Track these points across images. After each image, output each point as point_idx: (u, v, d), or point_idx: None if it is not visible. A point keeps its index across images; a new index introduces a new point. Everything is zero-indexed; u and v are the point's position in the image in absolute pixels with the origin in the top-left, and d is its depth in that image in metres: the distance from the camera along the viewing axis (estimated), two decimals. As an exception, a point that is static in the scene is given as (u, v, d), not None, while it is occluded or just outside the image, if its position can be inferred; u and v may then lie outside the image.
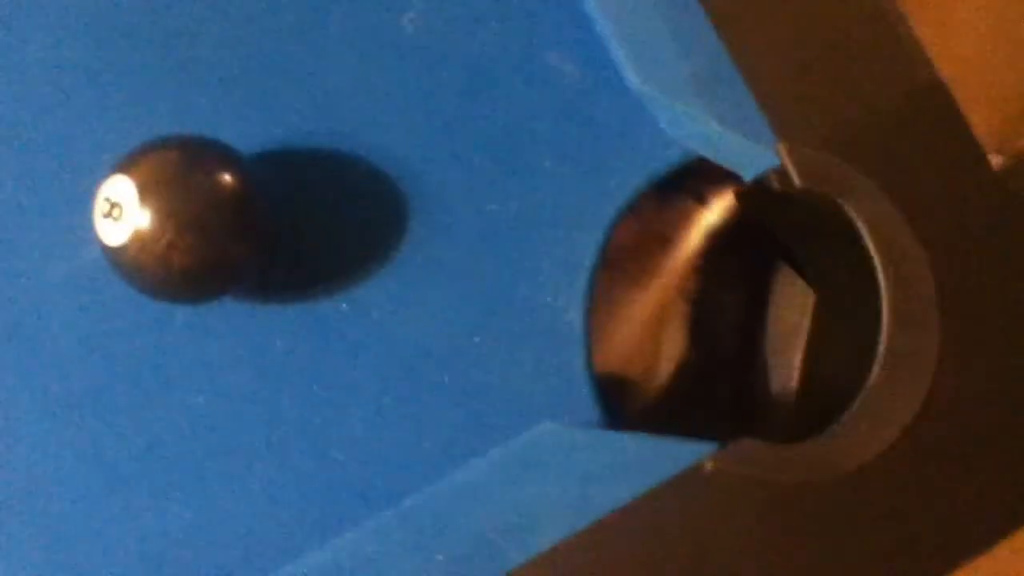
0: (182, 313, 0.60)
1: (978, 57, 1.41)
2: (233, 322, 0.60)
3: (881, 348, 0.58)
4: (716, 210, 0.74)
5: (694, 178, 0.69)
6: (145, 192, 0.50)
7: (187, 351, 0.60)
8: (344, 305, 0.61)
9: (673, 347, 0.71)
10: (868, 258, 0.59)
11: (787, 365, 0.72)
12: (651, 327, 0.70)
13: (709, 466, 0.54)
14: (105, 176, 0.53)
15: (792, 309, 0.73)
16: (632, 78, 0.61)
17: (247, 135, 0.61)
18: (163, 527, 0.58)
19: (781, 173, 0.60)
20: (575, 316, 0.62)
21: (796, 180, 0.59)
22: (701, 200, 0.72)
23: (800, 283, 0.72)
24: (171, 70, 0.63)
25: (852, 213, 0.59)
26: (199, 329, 0.60)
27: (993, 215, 0.63)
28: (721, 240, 0.74)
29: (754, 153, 0.60)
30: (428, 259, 0.63)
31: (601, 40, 0.64)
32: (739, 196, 0.69)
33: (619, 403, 0.66)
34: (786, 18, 0.63)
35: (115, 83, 0.62)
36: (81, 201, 0.58)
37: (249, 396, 0.60)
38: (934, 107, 0.64)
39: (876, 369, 0.58)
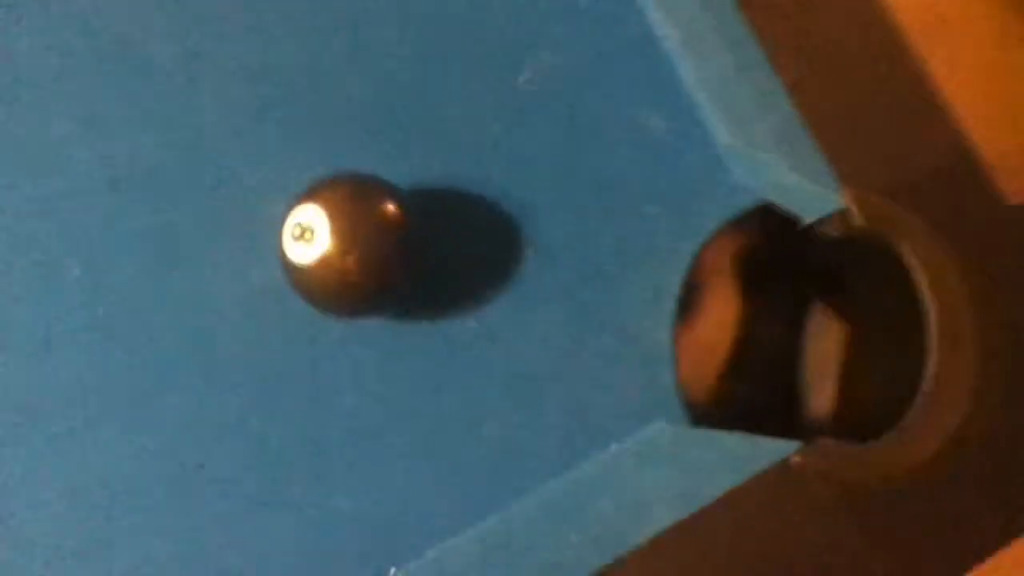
0: (336, 329, 0.69)
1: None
2: (380, 337, 0.70)
3: (931, 366, 0.68)
4: (771, 252, 0.84)
5: (753, 223, 0.80)
6: (334, 219, 0.60)
7: (342, 362, 0.69)
8: (472, 324, 0.71)
9: (735, 365, 0.81)
10: (919, 291, 0.69)
11: (826, 384, 0.82)
12: (718, 347, 0.79)
13: (795, 461, 0.64)
14: (292, 205, 0.62)
15: (827, 339, 0.83)
16: (723, 134, 0.72)
17: (388, 175, 0.71)
18: (318, 515, 0.66)
19: (844, 215, 0.70)
20: (664, 336, 0.72)
21: (858, 220, 0.70)
22: (760, 242, 0.83)
23: (834, 317, 0.82)
24: (325, 119, 0.73)
25: (905, 251, 0.70)
26: (352, 343, 0.69)
27: (1012, 249, 0.75)
28: (773, 277, 0.84)
29: (821, 197, 0.71)
30: (541, 286, 0.73)
31: (686, 100, 0.75)
32: (800, 237, 0.79)
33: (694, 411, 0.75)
34: (845, 83, 0.75)
35: (282, 129, 0.72)
36: (249, 229, 0.69)
37: (394, 401, 0.69)
38: (965, 163, 0.76)
39: (927, 384, 0.68)
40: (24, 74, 0.73)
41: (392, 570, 0.64)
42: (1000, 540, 0.68)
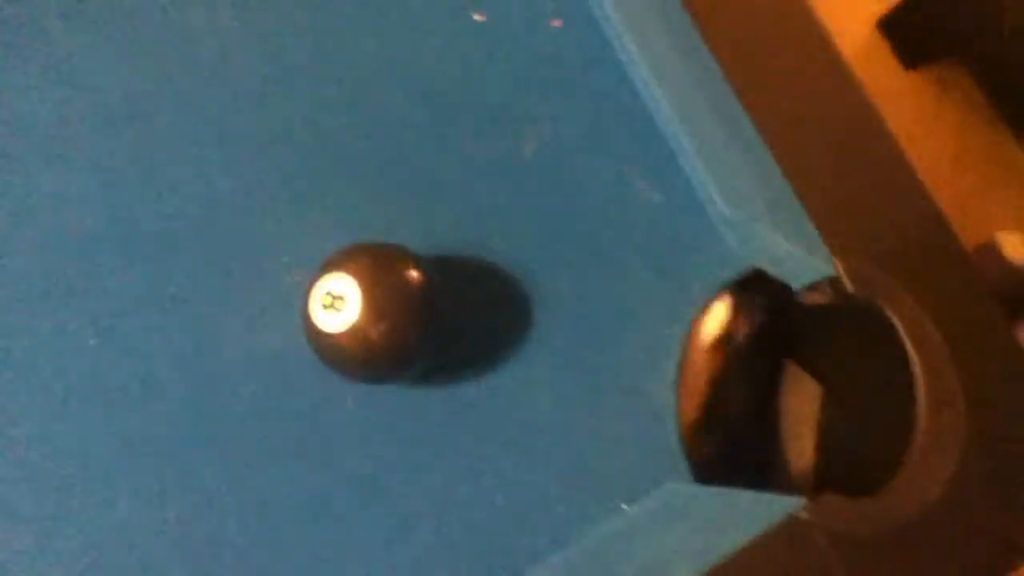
0: (350, 393, 0.69)
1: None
2: (391, 401, 0.70)
3: (920, 423, 0.72)
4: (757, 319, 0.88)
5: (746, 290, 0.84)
6: (365, 289, 0.61)
7: (354, 426, 0.69)
8: (480, 386, 0.72)
9: (733, 424, 0.84)
10: (905, 352, 0.74)
11: (801, 442, 0.85)
12: (716, 407, 0.82)
13: (803, 516, 0.66)
14: (320, 273, 0.63)
15: (800, 399, 0.87)
16: (719, 203, 0.76)
17: (399, 242, 0.72)
18: (333, 579, 0.66)
19: (835, 282, 0.75)
20: (667, 397, 0.75)
21: (849, 287, 0.74)
22: (747, 310, 0.87)
23: (807, 378, 0.86)
24: (335, 187, 0.75)
25: (892, 315, 0.74)
26: (365, 407, 0.69)
27: (982, 308, 0.80)
28: (757, 342, 0.88)
29: (812, 265, 0.75)
30: (545, 349, 0.75)
31: (682, 170, 0.79)
32: (788, 304, 0.83)
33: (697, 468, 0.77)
34: (831, 159, 0.80)
35: (296, 196, 0.73)
36: (259, 294, 0.69)
37: (403, 465, 0.69)
38: (936, 231, 0.81)
39: (918, 440, 0.72)
40: (37, 141, 0.72)
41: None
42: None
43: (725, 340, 0.80)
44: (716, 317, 0.79)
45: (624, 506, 0.70)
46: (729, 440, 0.80)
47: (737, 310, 0.80)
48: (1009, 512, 0.73)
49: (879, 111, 0.84)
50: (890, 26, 1.93)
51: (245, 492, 0.67)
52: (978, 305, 0.80)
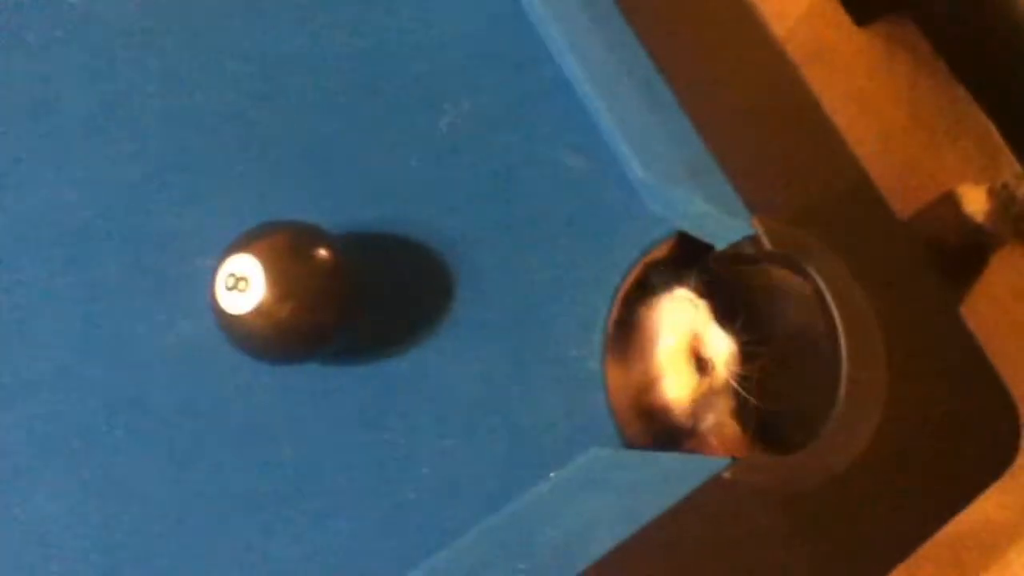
0: (269, 376, 0.69)
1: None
2: (313, 382, 0.70)
3: (843, 379, 0.73)
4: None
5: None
6: (269, 268, 0.60)
7: (276, 409, 0.69)
8: (406, 363, 0.72)
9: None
10: (827, 308, 0.74)
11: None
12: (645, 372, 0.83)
13: (728, 475, 0.67)
14: (224, 255, 0.62)
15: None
16: (637, 169, 0.75)
17: (317, 221, 0.72)
18: (263, 567, 0.66)
19: (754, 241, 0.75)
20: (594, 365, 0.75)
21: (768, 245, 0.74)
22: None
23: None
24: (248, 168, 0.74)
25: (812, 271, 0.74)
26: (286, 390, 0.69)
27: (908, 263, 0.81)
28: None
29: (732, 225, 0.75)
30: (470, 321, 0.74)
31: (602, 137, 0.78)
32: (712, 262, 0.83)
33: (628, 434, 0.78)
34: (750, 120, 0.79)
35: (205, 179, 0.72)
36: (175, 281, 0.69)
37: (331, 446, 0.69)
38: (860, 188, 0.81)
39: (841, 396, 0.72)
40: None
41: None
42: (915, 541, 0.73)
43: (650, 304, 0.80)
44: (641, 282, 0.79)
45: (552, 475, 0.70)
46: (658, 405, 0.80)
47: (662, 273, 0.80)
48: (934, 467, 0.74)
49: (800, 70, 0.84)
50: None
51: (165, 483, 0.66)
52: (902, 258, 0.80)
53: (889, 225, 0.82)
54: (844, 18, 1.95)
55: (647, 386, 0.77)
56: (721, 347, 0.77)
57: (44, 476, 0.66)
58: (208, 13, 0.78)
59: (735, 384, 0.76)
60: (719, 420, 0.75)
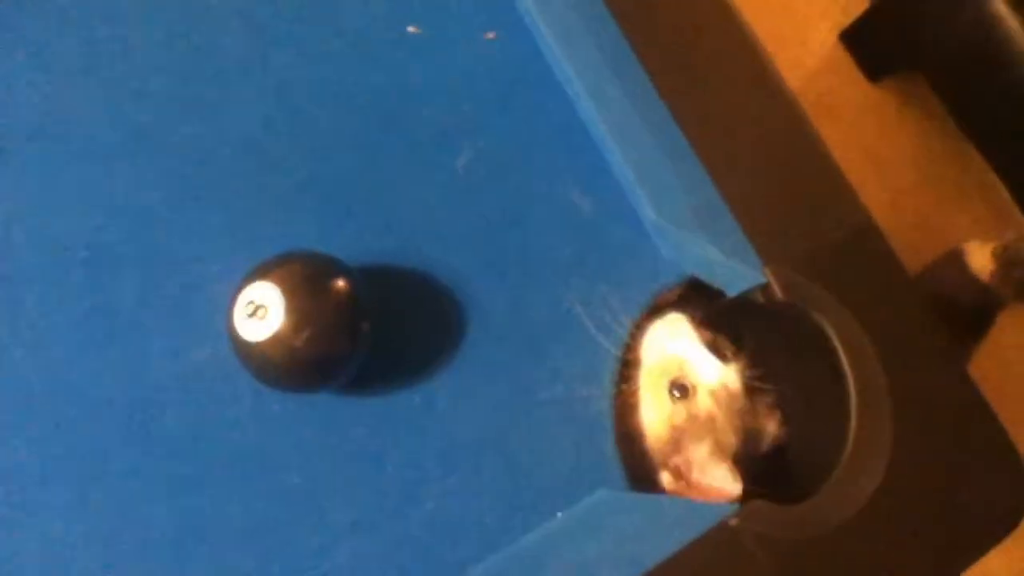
0: (278, 405, 0.69)
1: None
2: (321, 413, 0.70)
3: (851, 429, 0.73)
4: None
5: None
6: (287, 296, 0.61)
7: (284, 439, 0.69)
8: (413, 397, 0.72)
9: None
10: (836, 357, 0.74)
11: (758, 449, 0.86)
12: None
13: (733, 523, 0.67)
14: (244, 283, 0.63)
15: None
16: (649, 212, 0.76)
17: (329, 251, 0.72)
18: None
19: (765, 289, 0.75)
20: (599, 406, 0.75)
21: (779, 294, 0.74)
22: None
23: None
24: (267, 200, 0.75)
25: (822, 321, 0.75)
26: (294, 420, 0.69)
27: (915, 316, 0.81)
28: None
29: (743, 274, 0.76)
30: (479, 358, 0.75)
31: (615, 180, 0.80)
32: (720, 310, 0.84)
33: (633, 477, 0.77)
34: (760, 167, 0.81)
35: (225, 208, 0.73)
36: (191, 306, 0.69)
37: (336, 477, 0.69)
38: (868, 238, 0.82)
39: (848, 446, 0.73)
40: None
41: (341, 649, 0.64)
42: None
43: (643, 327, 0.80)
44: (651, 325, 0.79)
45: (559, 515, 0.70)
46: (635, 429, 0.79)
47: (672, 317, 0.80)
48: (937, 524, 0.74)
49: (811, 120, 0.85)
50: (852, 38, 1.96)
51: (173, 506, 0.66)
52: (909, 311, 0.81)
53: (897, 277, 0.82)
54: (856, 73, 1.98)
55: (629, 409, 0.77)
56: (709, 375, 0.77)
57: (51, 496, 0.66)
58: (233, 43, 0.80)
59: (724, 417, 0.76)
60: (701, 456, 0.74)
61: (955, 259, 1.67)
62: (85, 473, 0.67)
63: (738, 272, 0.76)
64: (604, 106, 0.79)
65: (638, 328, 0.78)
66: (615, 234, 0.80)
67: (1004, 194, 1.87)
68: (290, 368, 0.63)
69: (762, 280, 0.75)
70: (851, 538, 0.70)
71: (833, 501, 0.71)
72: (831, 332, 0.75)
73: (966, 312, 1.66)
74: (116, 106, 0.75)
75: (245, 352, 0.62)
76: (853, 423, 0.73)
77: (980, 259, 1.63)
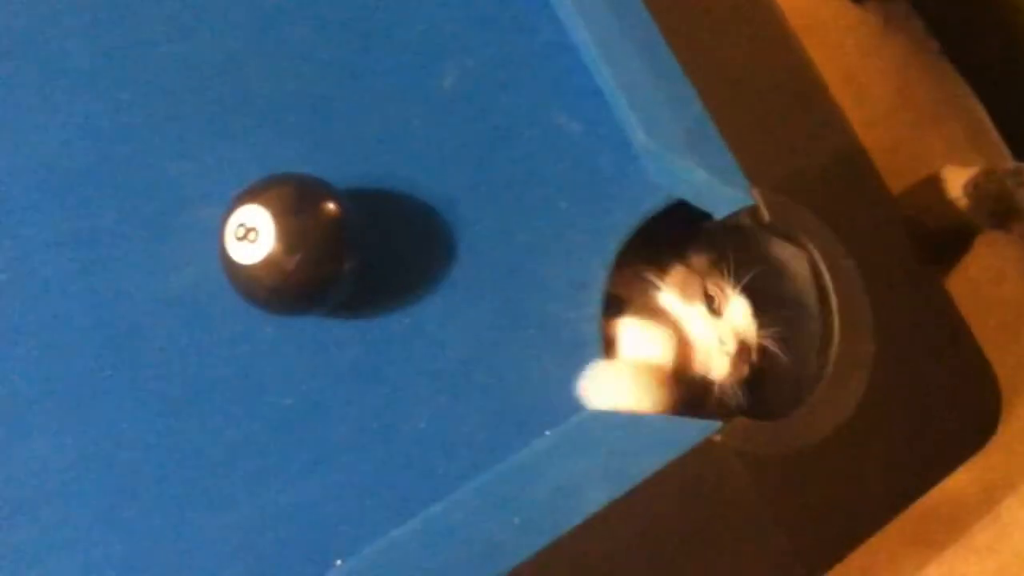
0: (269, 328, 0.69)
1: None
2: (311, 335, 0.71)
3: (834, 347, 0.74)
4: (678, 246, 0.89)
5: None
6: (278, 220, 0.61)
7: (274, 360, 0.69)
8: (402, 319, 0.73)
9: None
10: (821, 279, 0.76)
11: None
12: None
13: (717, 439, 0.68)
14: (234, 206, 0.63)
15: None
16: (639, 135, 0.76)
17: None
18: (258, 512, 0.67)
19: (752, 212, 0.76)
20: (590, 328, 0.76)
21: (766, 216, 0.75)
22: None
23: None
24: (250, 120, 0.74)
25: (808, 243, 0.76)
26: (284, 341, 0.70)
27: (897, 237, 0.82)
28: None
29: (731, 196, 0.76)
30: (466, 280, 0.75)
31: (603, 102, 0.79)
32: (708, 232, 0.84)
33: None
34: (748, 88, 0.80)
35: (207, 130, 0.72)
36: (175, 230, 0.69)
37: (330, 398, 0.70)
38: (854, 161, 0.83)
39: (830, 364, 0.74)
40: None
41: (337, 562, 0.66)
42: (893, 509, 0.75)
43: (647, 273, 0.81)
44: (638, 245, 0.80)
45: (548, 433, 0.71)
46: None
47: (659, 238, 0.81)
48: (916, 436, 0.76)
49: (801, 43, 0.85)
50: None
51: (162, 429, 0.67)
52: (893, 233, 0.82)
53: (882, 200, 0.83)
54: (840, -7, 1.96)
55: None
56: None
57: (41, 421, 0.66)
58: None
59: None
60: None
61: (932, 185, 1.68)
62: (73, 399, 0.67)
63: (726, 195, 0.76)
64: (594, 26, 0.78)
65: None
66: (603, 156, 0.80)
67: (981, 116, 1.87)
68: (282, 291, 0.63)
69: (750, 202, 0.75)
70: (831, 453, 0.73)
71: (814, 418, 0.73)
72: (816, 253, 0.76)
73: (942, 235, 1.68)
74: (93, 24, 0.73)
75: (236, 275, 0.62)
76: (835, 341, 0.74)
77: (956, 186, 1.64)
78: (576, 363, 0.75)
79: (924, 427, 0.77)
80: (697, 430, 0.69)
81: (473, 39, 0.79)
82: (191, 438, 0.67)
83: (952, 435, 0.78)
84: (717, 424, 0.69)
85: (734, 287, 0.81)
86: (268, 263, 0.61)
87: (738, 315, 0.80)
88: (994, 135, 1.87)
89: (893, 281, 0.79)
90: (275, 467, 0.68)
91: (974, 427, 0.80)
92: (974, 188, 1.58)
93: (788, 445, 0.71)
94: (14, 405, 0.66)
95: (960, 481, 1.48)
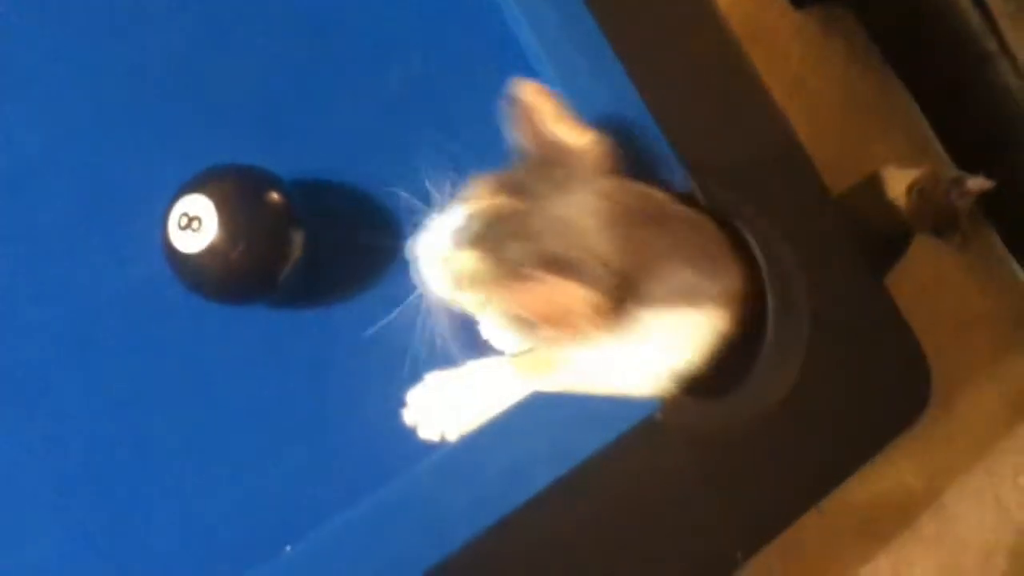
0: (218, 318, 0.71)
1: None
2: (260, 325, 0.72)
3: (769, 330, 0.77)
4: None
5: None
6: (221, 208, 0.62)
7: (223, 350, 0.71)
8: (349, 309, 0.74)
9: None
10: (755, 263, 0.78)
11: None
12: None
13: (659, 417, 0.71)
14: (177, 195, 0.64)
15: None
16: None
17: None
18: (207, 503, 0.68)
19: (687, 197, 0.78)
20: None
21: (701, 201, 0.78)
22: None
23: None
24: (199, 116, 0.75)
25: (740, 227, 0.78)
26: (233, 331, 0.71)
27: (831, 226, 0.85)
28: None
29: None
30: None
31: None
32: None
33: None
34: (687, 84, 0.83)
35: (153, 124, 0.73)
36: (125, 223, 0.70)
37: (276, 387, 0.72)
38: (792, 156, 0.86)
39: (767, 348, 0.77)
40: None
41: (287, 548, 0.66)
42: (826, 485, 0.78)
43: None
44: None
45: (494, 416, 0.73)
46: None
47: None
48: (849, 417, 0.79)
49: (741, 46, 0.88)
50: None
51: (113, 421, 0.68)
52: (829, 229, 0.85)
53: (818, 194, 0.86)
54: (784, 2, 2.00)
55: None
56: None
57: None
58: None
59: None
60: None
61: (873, 185, 1.72)
62: (28, 394, 0.68)
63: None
64: (537, 25, 0.80)
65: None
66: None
67: (925, 129, 1.92)
68: (226, 280, 0.64)
69: (686, 189, 0.78)
70: (768, 430, 0.75)
71: (750, 396, 0.76)
72: (749, 236, 0.78)
73: (884, 234, 1.72)
74: (43, 22, 0.74)
75: (180, 265, 0.64)
76: (771, 327, 0.77)
77: (897, 188, 1.68)
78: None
79: (858, 406, 0.80)
80: (639, 408, 0.71)
81: (422, 37, 0.82)
82: (140, 430, 0.69)
83: (885, 413, 0.81)
84: (658, 403, 0.71)
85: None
86: (211, 252, 0.62)
87: None
88: (937, 145, 1.92)
89: (827, 267, 0.82)
90: (224, 457, 0.69)
91: (906, 406, 0.83)
92: (917, 193, 1.62)
93: (728, 422, 0.74)
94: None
95: (905, 474, 1.52)
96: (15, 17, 0.74)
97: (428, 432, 0.71)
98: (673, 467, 0.71)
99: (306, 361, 0.72)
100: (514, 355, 0.73)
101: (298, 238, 0.68)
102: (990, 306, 1.88)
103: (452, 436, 0.70)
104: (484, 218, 0.60)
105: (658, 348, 0.68)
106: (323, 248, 0.72)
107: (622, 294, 0.61)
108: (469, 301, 0.63)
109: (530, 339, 0.66)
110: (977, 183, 1.57)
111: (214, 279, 0.64)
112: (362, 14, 0.81)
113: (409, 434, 0.72)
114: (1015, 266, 1.84)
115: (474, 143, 0.80)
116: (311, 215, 0.70)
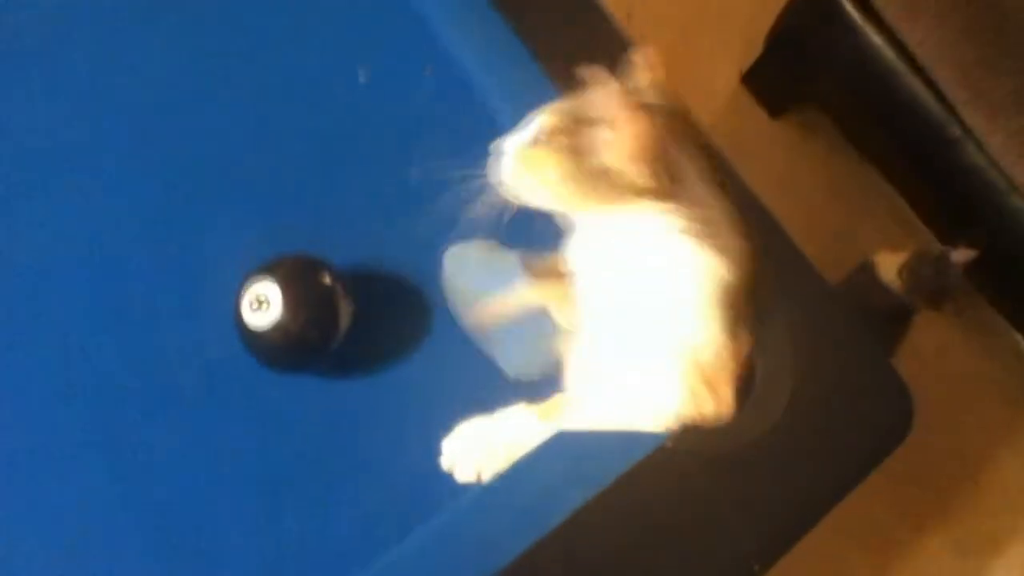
0: (280, 385, 0.84)
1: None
2: (317, 390, 0.85)
3: (759, 371, 0.87)
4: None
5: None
6: (286, 292, 0.75)
7: (286, 412, 0.84)
8: (395, 372, 0.87)
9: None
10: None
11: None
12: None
13: (669, 444, 0.81)
14: (246, 282, 0.79)
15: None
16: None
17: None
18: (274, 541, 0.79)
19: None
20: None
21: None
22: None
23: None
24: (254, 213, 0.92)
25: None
26: (294, 397, 0.84)
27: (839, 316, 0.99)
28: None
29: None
30: (452, 338, 0.90)
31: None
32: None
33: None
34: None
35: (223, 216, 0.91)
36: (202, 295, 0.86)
37: (332, 440, 0.84)
38: (788, 256, 1.00)
39: (757, 385, 0.87)
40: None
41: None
42: (833, 497, 0.87)
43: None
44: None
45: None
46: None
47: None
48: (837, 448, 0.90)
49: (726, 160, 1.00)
50: (752, 80, 2.11)
51: (196, 473, 0.81)
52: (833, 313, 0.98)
53: (819, 289, 0.99)
54: (759, 111, 2.15)
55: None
56: None
57: (84, 470, 0.80)
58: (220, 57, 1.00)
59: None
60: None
61: (866, 271, 1.80)
62: (114, 448, 0.81)
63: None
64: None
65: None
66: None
67: (906, 205, 2.02)
68: (288, 351, 0.79)
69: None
70: (768, 449, 0.85)
71: (750, 419, 0.85)
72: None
73: (884, 315, 1.80)
74: (133, 131, 0.93)
75: (250, 338, 0.77)
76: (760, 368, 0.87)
77: (889, 271, 1.76)
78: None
79: (845, 437, 0.91)
80: (651, 440, 0.81)
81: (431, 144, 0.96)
82: (218, 478, 0.81)
83: (870, 443, 0.91)
84: (668, 432, 0.81)
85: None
86: (276, 327, 0.76)
87: None
88: (919, 221, 2.01)
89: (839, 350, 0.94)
90: (287, 501, 0.81)
91: (887, 437, 0.93)
92: (909, 273, 1.71)
93: (730, 443, 0.83)
94: (62, 454, 0.80)
95: (875, 505, 1.53)
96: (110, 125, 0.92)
97: (464, 475, 0.81)
98: (684, 489, 0.81)
99: (355, 418, 0.85)
100: (533, 404, 0.84)
101: (346, 311, 0.81)
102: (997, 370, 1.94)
103: (486, 477, 0.80)
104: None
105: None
106: (367, 319, 0.85)
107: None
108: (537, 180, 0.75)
109: (586, 199, 0.76)
110: (961, 255, 1.66)
111: (278, 350, 0.78)
112: (383, 127, 0.98)
113: (449, 481, 0.82)
114: (1016, 336, 1.92)
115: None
116: (356, 291, 0.83)
